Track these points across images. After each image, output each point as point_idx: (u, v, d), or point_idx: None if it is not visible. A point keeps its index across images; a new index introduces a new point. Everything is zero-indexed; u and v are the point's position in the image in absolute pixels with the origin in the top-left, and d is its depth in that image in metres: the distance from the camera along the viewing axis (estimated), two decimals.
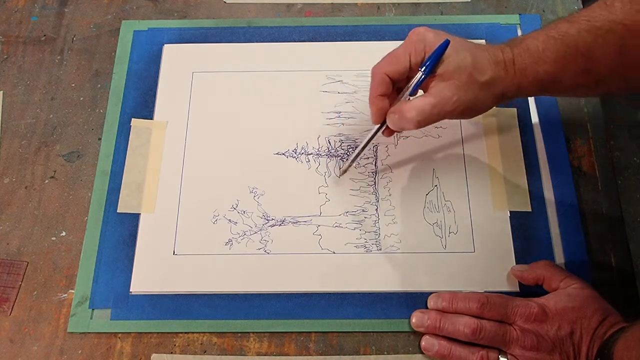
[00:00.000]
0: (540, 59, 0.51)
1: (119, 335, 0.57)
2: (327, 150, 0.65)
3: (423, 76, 0.53)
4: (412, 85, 0.53)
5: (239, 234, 0.61)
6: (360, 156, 0.60)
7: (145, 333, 0.57)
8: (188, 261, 0.60)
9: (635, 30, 0.49)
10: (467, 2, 0.75)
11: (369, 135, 0.57)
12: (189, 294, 0.59)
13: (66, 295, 0.59)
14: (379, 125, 0.56)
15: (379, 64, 0.54)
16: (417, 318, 0.56)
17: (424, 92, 0.54)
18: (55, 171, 0.65)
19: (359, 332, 0.57)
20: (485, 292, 0.56)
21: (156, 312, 0.58)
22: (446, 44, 0.51)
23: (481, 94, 0.52)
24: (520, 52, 0.52)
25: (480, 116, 0.66)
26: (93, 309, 0.58)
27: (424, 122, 0.52)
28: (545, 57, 0.51)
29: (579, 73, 0.51)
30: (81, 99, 0.69)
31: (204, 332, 0.57)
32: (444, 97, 0.51)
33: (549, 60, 0.51)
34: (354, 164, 0.62)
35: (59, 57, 0.72)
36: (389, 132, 0.57)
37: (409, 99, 0.54)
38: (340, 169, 0.63)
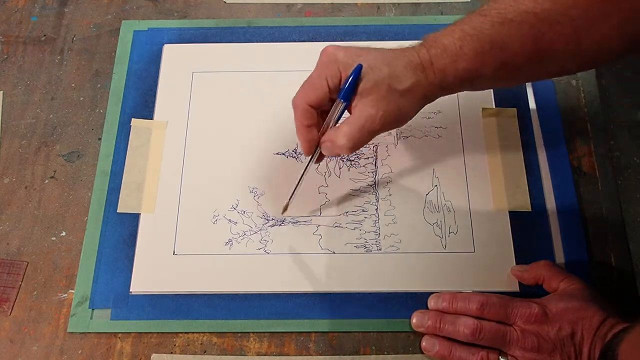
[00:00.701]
0: (459, 57, 0.51)
1: (119, 335, 0.57)
2: None
3: (344, 105, 0.52)
4: (337, 114, 0.53)
5: (239, 234, 0.61)
6: (298, 190, 0.59)
7: (145, 333, 0.57)
8: (188, 261, 0.60)
9: (545, 18, 0.49)
10: (467, 2, 0.75)
11: (304, 168, 0.57)
12: (189, 294, 0.59)
13: (66, 295, 0.59)
14: (311, 156, 0.55)
15: (298, 94, 0.53)
16: (417, 318, 0.56)
17: (349, 112, 0.53)
18: (55, 171, 0.65)
19: (359, 332, 0.57)
20: (485, 292, 0.56)
21: (156, 312, 0.58)
22: (359, 69, 0.50)
23: (404, 102, 0.52)
24: (437, 53, 0.51)
25: (480, 116, 0.67)
26: (93, 309, 0.58)
27: (355, 146, 0.52)
28: (463, 54, 0.51)
29: (498, 66, 0.51)
30: (81, 99, 0.69)
31: (204, 332, 0.57)
32: (369, 116, 0.51)
33: (467, 57, 0.51)
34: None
35: (59, 57, 0.72)
36: (320, 160, 0.57)
37: (333, 123, 0.54)
38: (283, 207, 0.61)
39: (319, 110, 0.53)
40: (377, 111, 0.51)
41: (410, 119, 0.54)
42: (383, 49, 0.53)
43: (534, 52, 0.50)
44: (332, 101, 0.53)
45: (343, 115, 0.53)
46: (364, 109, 0.51)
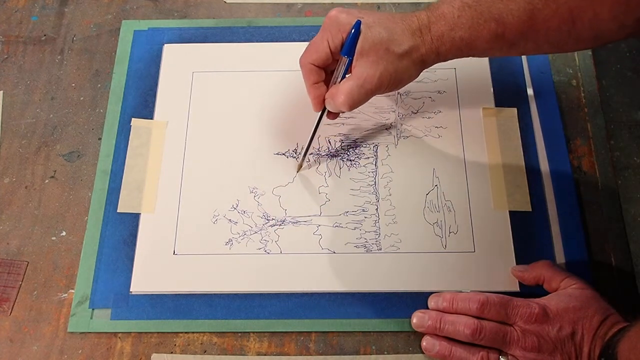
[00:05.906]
0: (456, 26, 0.53)
1: (119, 335, 0.57)
2: (327, 150, 0.65)
3: (347, 60, 0.54)
4: (341, 72, 0.55)
5: (239, 233, 0.61)
6: (311, 147, 0.61)
7: (145, 333, 0.57)
8: (188, 261, 0.60)
9: None
10: None
11: (315, 123, 0.59)
12: (189, 293, 0.59)
13: (66, 295, 0.59)
14: (320, 112, 0.58)
15: (303, 55, 0.56)
16: (417, 318, 0.56)
17: (350, 71, 0.55)
18: (55, 171, 0.65)
19: (359, 332, 0.57)
20: (485, 292, 0.56)
21: (156, 312, 0.58)
22: (358, 24, 0.53)
23: (401, 65, 0.54)
24: (436, 19, 0.54)
25: (480, 116, 0.66)
26: (93, 309, 0.58)
27: (354, 104, 0.54)
28: (460, 23, 0.53)
29: (493, 38, 0.53)
30: (81, 98, 0.69)
31: (204, 332, 0.57)
32: (367, 76, 0.53)
33: (464, 26, 0.53)
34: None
35: (59, 57, 0.72)
36: (333, 115, 0.60)
37: (339, 80, 0.56)
38: (298, 165, 0.64)
39: (328, 70, 0.56)
40: (374, 71, 0.53)
41: (409, 82, 0.57)
42: (384, 13, 0.55)
43: (528, 27, 0.52)
44: (337, 61, 0.55)
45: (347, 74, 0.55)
46: (362, 69, 0.53)
